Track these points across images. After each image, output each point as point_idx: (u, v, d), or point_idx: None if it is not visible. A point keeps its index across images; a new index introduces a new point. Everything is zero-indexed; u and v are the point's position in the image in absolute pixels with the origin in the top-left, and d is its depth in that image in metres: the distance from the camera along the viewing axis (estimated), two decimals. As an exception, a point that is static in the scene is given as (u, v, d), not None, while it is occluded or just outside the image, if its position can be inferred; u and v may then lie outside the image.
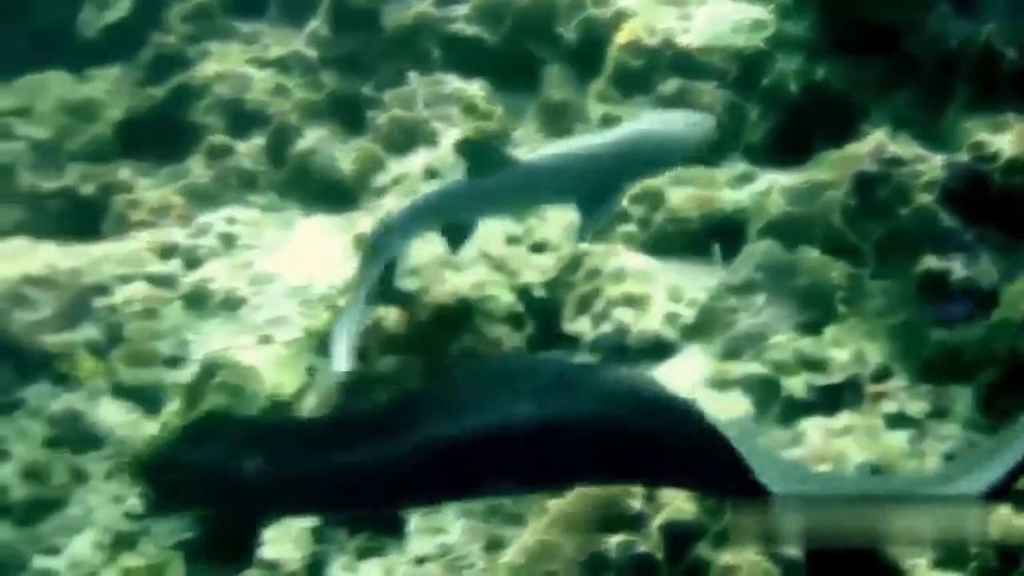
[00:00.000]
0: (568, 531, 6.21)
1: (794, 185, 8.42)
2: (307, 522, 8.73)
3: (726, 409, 6.68)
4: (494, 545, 7.77)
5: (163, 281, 11.31)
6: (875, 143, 7.09)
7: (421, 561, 7.91)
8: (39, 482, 10.12)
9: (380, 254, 7.36)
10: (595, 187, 6.57)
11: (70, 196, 13.00)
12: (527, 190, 6.75)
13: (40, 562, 9.88)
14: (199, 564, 9.60)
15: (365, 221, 10.43)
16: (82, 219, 12.73)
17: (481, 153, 6.68)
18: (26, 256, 11.22)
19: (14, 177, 13.28)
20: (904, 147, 7.07)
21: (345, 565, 8.47)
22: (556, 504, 6.54)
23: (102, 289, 11.17)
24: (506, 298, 8.46)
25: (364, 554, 8.50)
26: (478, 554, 7.77)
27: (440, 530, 8.20)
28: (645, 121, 7.22)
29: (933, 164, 6.73)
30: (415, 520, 8.37)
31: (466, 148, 6.97)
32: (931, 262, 6.81)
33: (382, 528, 8.61)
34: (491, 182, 6.75)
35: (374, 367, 8.65)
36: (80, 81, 14.19)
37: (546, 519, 6.37)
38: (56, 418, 10.44)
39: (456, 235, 8.09)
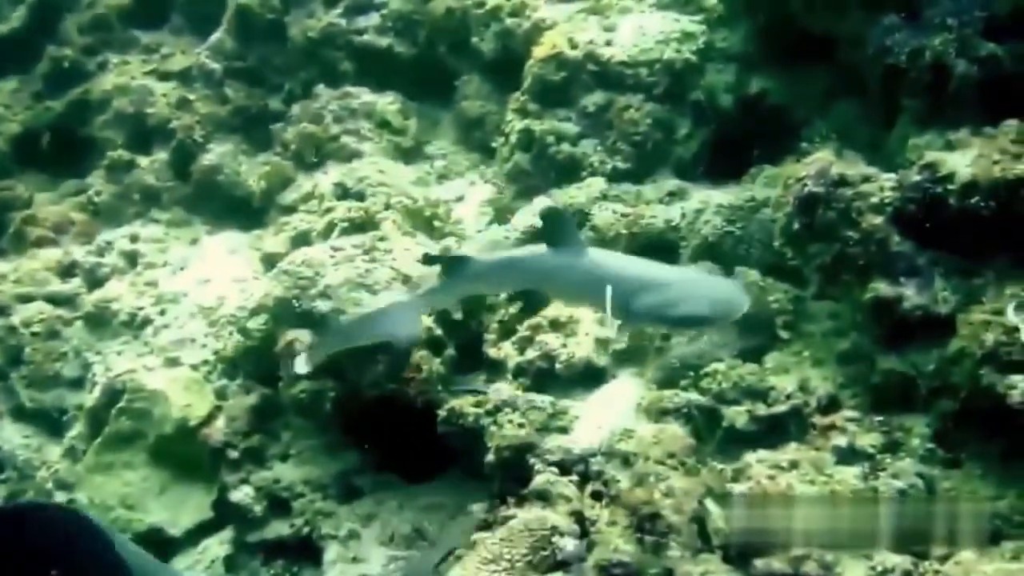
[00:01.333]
0: (498, 571, 5.74)
1: (730, 203, 8.12)
2: (221, 549, 8.18)
3: (665, 439, 6.23)
4: (419, 577, 7.30)
5: (64, 300, 10.73)
6: (820, 163, 6.63)
7: (340, 592, 7.39)
8: (-64, 509, 9.36)
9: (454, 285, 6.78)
10: (637, 314, 6.04)
11: (-36, 212, 12.18)
12: (587, 289, 6.24)
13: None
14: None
15: (273, 240, 9.86)
16: (-24, 235, 11.93)
17: (558, 223, 6.15)
18: (-80, 275, 10.48)
19: (-96, 191, 12.43)
20: (850, 166, 6.64)
21: (259, 595, 7.94)
22: (482, 540, 6.06)
23: (1, 309, 10.41)
24: (424, 321, 7.97)
25: (281, 583, 7.98)
26: (401, 586, 7.31)
27: (359, 559, 7.71)
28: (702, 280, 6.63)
29: (882, 184, 6.34)
30: (333, 549, 7.85)
31: (548, 216, 6.40)
32: (882, 287, 6.36)
33: (298, 556, 8.08)
34: (564, 270, 6.18)
35: (287, 392, 8.08)
36: (-25, 92, 13.33)
37: (475, 557, 5.90)
38: (-46, 443, 9.70)
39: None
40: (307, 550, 8.16)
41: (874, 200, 6.52)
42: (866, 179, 6.59)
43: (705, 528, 5.90)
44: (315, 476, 8.36)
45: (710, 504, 5.95)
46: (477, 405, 7.40)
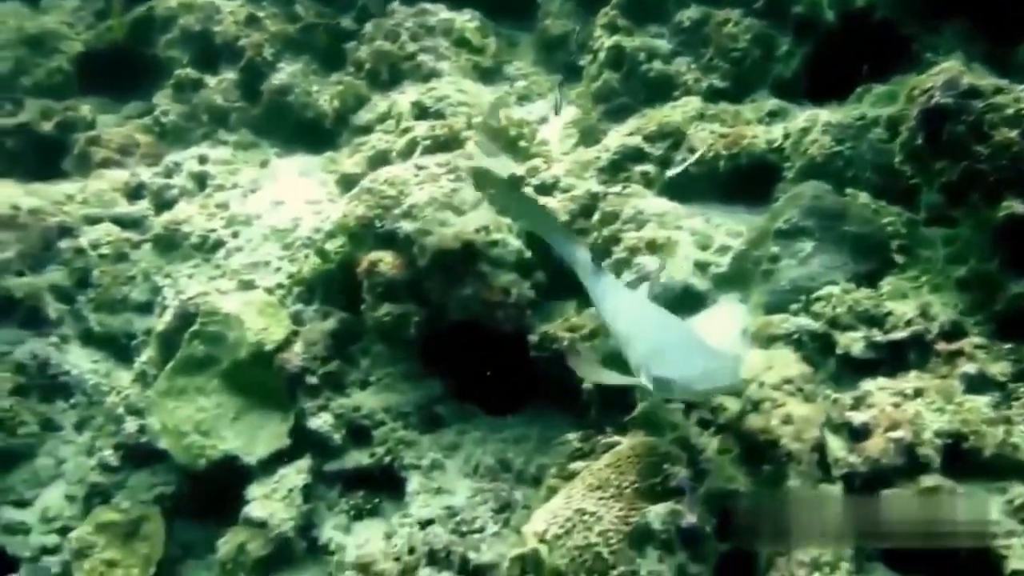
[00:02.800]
0: (605, 498, 5.51)
1: (839, 122, 7.73)
2: (298, 479, 8.01)
3: (778, 364, 5.96)
4: (506, 508, 7.09)
5: (132, 223, 10.54)
6: (948, 74, 6.25)
7: (425, 524, 7.18)
8: (6, 432, 9.31)
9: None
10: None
11: (28, 134, 12.12)
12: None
13: (8, 514, 9.17)
14: (180, 520, 8.87)
15: (349, 161, 9.69)
16: (42, 158, 11.86)
17: None
18: (-14, 195, 10.35)
19: (-32, 112, 12.34)
20: (980, 78, 6.24)
21: (338, 525, 7.76)
22: (588, 467, 5.84)
23: (67, 231, 10.30)
24: (513, 243, 7.74)
25: (359, 515, 7.79)
26: (489, 518, 7.08)
27: (443, 490, 7.51)
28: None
29: (1018, 95, 5.94)
30: (416, 479, 7.66)
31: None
32: (1015, 206, 5.99)
33: (379, 486, 7.91)
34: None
35: (371, 315, 7.88)
36: (37, 12, 13.23)
37: (580, 484, 5.67)
38: (23, 365, 9.56)
39: None
40: (388, 480, 7.99)
41: (1008, 112, 6.15)
42: (999, 90, 6.21)
43: (825, 457, 5.63)
44: (396, 404, 8.18)
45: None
46: (572, 330, 7.17)
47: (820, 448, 5.66)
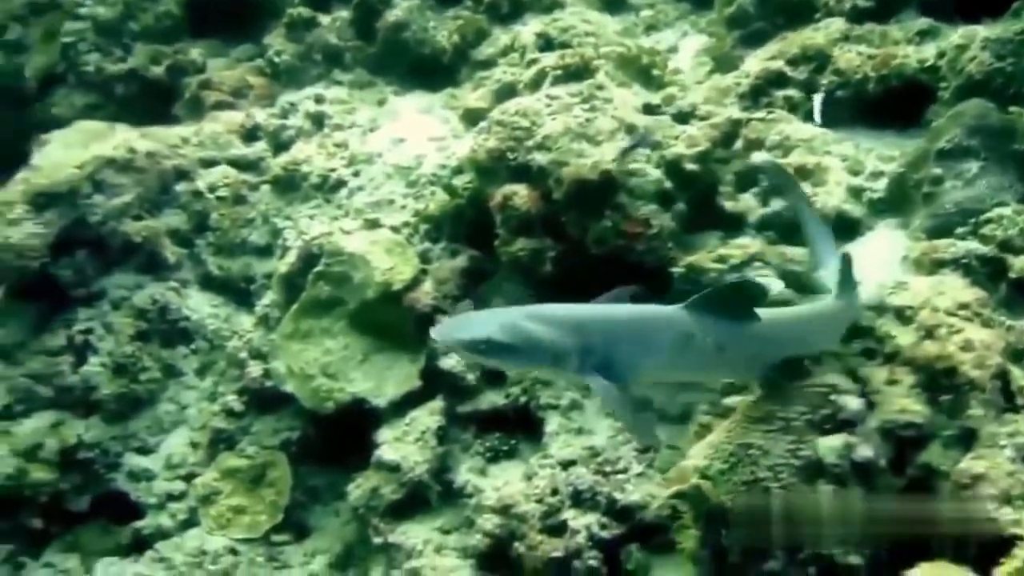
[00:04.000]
0: (771, 431, 5.32)
1: (998, 37, 7.39)
2: (431, 421, 7.92)
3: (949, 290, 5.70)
4: (649, 448, 6.94)
5: (249, 165, 10.55)
6: None
7: (567, 465, 7.05)
8: (128, 378, 9.36)
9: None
10: None
11: (138, 79, 12.17)
12: None
13: (133, 461, 9.24)
14: (307, 465, 8.85)
15: (474, 96, 9.58)
16: (153, 103, 11.89)
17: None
18: (102, 139, 10.41)
19: (79, 59, 12.31)
20: None
21: (474, 468, 7.66)
22: (746, 401, 5.66)
23: (184, 174, 10.32)
24: (653, 173, 7.53)
25: (496, 457, 7.69)
26: (633, 458, 6.93)
27: (584, 431, 7.38)
28: None
29: None
30: (554, 419, 7.53)
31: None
32: None
33: (515, 427, 7.79)
34: None
35: (505, 250, 7.74)
36: (145, -45, 13.14)
37: (737, 417, 5.49)
38: (143, 310, 9.60)
39: None
40: (524, 421, 7.87)
41: None
42: None
43: (1009, 385, 5.39)
44: (532, 343, 8.01)
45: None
46: (720, 260, 6.97)
47: (1003, 375, 5.42)
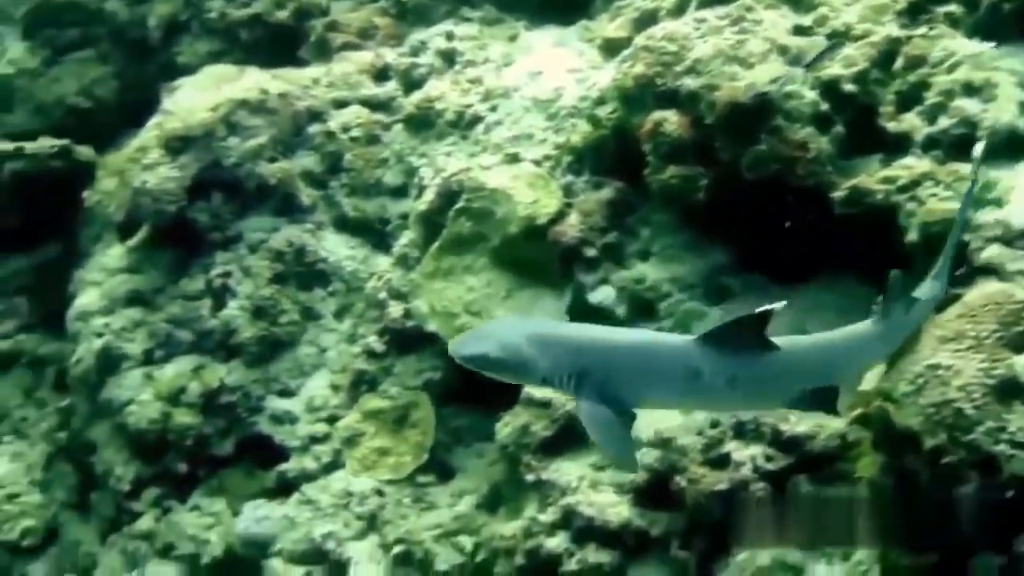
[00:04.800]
0: (962, 350, 5.15)
1: None
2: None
3: None
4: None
5: (381, 105, 10.50)
6: None
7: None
8: (268, 320, 9.41)
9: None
10: None
11: (263, 24, 12.19)
12: None
13: (275, 404, 9.30)
14: (449, 406, 8.83)
15: (612, 26, 9.42)
16: (278, 47, 11.90)
17: None
18: (234, 82, 10.49)
19: (202, 6, 12.38)
20: None
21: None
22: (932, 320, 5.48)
23: (316, 115, 10.32)
24: (808, 95, 7.33)
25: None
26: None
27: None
28: None
29: None
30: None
31: None
32: None
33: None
34: None
35: (656, 178, 7.61)
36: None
37: (927, 338, 5.32)
38: (280, 252, 9.65)
39: None
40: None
41: None
42: None
43: None
44: (680, 275, 7.94)
45: None
46: (887, 181, 6.77)
47: None
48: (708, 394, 5.39)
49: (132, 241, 10.48)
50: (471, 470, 8.81)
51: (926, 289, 5.67)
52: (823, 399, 5.40)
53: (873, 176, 6.91)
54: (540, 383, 5.37)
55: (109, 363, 10.01)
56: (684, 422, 7.07)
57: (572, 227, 8.20)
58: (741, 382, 5.30)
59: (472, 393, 8.79)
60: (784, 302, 5.17)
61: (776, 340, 5.29)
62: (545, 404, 7.83)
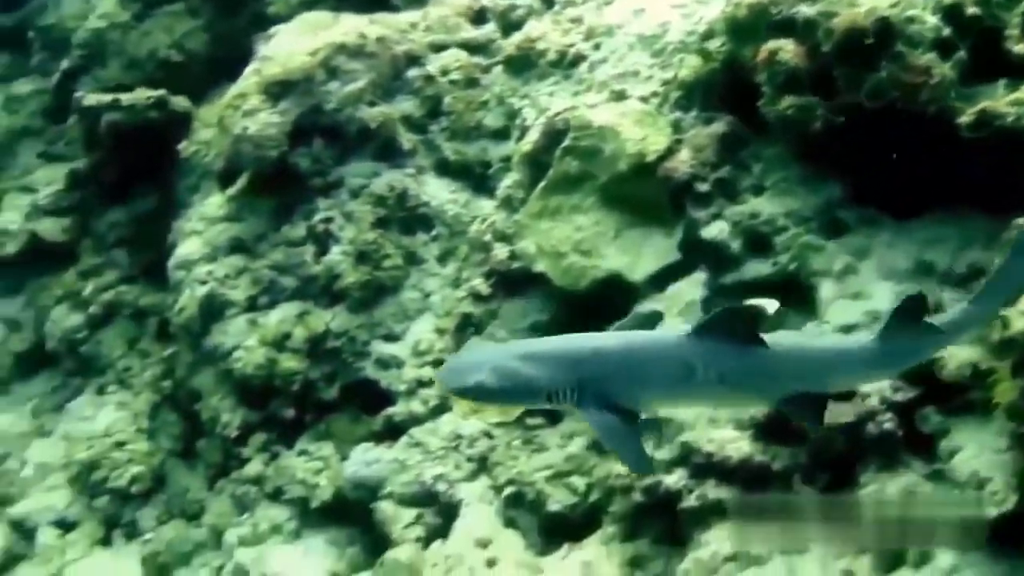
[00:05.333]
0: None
1: None
2: (694, 292, 7.79)
3: None
4: (939, 308, 6.67)
5: (479, 47, 10.48)
6: None
7: (847, 331, 6.83)
8: (372, 265, 9.43)
9: None
10: None
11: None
12: None
13: (380, 348, 9.32)
14: (556, 347, 8.78)
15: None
16: (371, -6, 11.82)
17: None
18: (330, 28, 10.46)
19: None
20: None
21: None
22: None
23: (415, 59, 10.31)
24: (930, 19, 7.18)
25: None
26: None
27: (861, 295, 7.17)
28: None
29: None
30: (827, 286, 7.32)
31: None
32: None
33: (783, 296, 7.56)
34: None
35: (771, 108, 7.51)
36: None
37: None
38: (382, 197, 9.66)
39: None
40: (793, 289, 7.65)
41: None
42: None
43: None
44: (795, 209, 7.82)
45: None
46: (1017, 103, 6.62)
47: None
48: (701, 389, 5.29)
49: (232, 189, 10.54)
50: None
51: (956, 315, 5.33)
52: (811, 405, 5.29)
53: (1003, 98, 6.75)
54: (544, 402, 5.25)
55: (213, 310, 10.11)
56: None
57: (683, 163, 8.12)
58: (731, 377, 5.19)
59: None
60: (776, 304, 5.14)
61: (769, 338, 5.20)
62: (660, 341, 7.74)
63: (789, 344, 5.37)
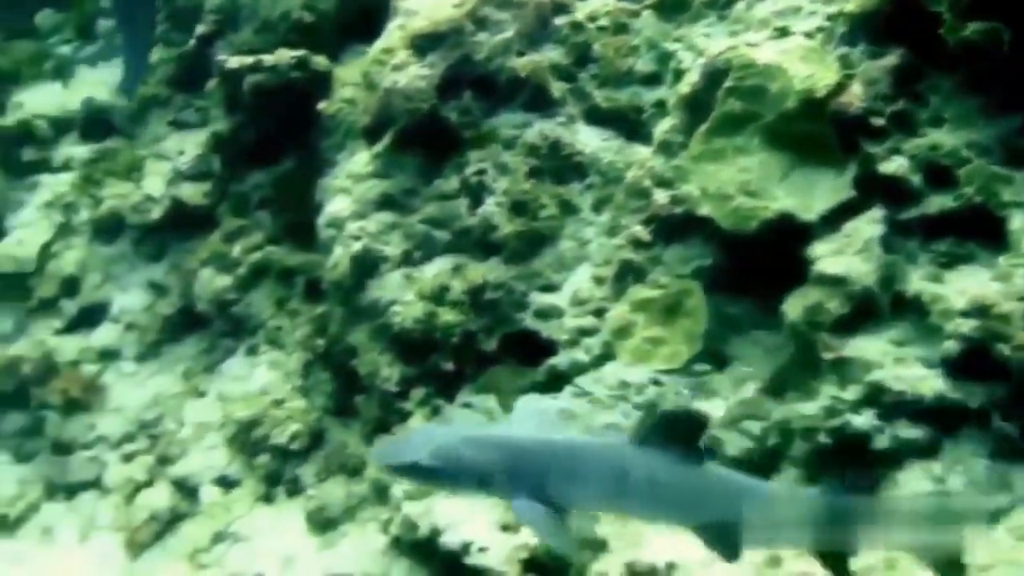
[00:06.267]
0: None
1: None
2: (872, 230, 7.60)
3: None
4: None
5: (627, -9, 10.28)
6: None
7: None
8: (528, 216, 9.39)
9: None
10: None
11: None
12: None
13: (538, 299, 9.31)
14: (721, 293, 8.66)
15: None
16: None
17: None
18: (473, -21, 10.36)
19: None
20: None
21: (927, 275, 7.31)
22: None
23: (561, 7, 10.25)
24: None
25: (950, 263, 7.31)
26: None
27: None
28: None
29: None
30: (1018, 217, 7.11)
31: None
32: None
33: (968, 231, 7.39)
34: None
35: (954, 34, 7.31)
36: None
37: None
38: (535, 147, 9.60)
39: None
40: (979, 223, 7.44)
41: None
42: None
43: None
44: (977, 140, 7.60)
45: None
46: None
47: None
48: (633, 499, 5.26)
49: (380, 145, 10.53)
50: (749, 357, 8.64)
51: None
52: (728, 537, 5.20)
53: None
54: (476, 488, 5.31)
55: (367, 266, 10.13)
56: (1002, 288, 6.84)
57: (856, 97, 7.93)
58: (662, 491, 5.17)
59: (744, 281, 8.65)
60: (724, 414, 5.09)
61: (709, 464, 5.23)
62: (839, 281, 7.62)
63: (727, 473, 5.40)
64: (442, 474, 5.27)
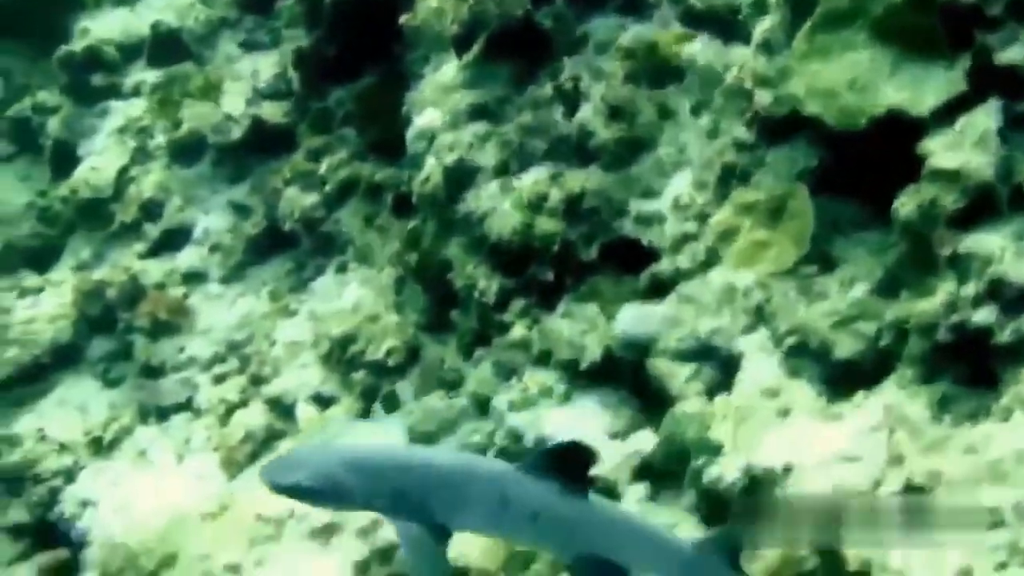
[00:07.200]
0: None
1: None
2: (988, 123, 7.61)
3: None
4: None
5: None
6: None
7: None
8: (626, 121, 9.44)
9: None
10: None
11: None
12: None
13: (638, 206, 9.40)
14: (826, 195, 8.70)
15: None
16: None
17: None
18: None
19: None
20: None
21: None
22: None
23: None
24: None
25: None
26: None
27: None
28: None
29: None
30: None
31: None
32: None
33: None
34: None
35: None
36: None
37: None
38: (631, 50, 9.64)
39: None
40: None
41: None
42: None
43: None
44: (1101, 26, 7.55)
45: None
46: None
47: None
48: (513, 526, 5.39)
49: (469, 55, 10.60)
50: (857, 258, 8.67)
51: None
52: (602, 573, 5.32)
53: None
54: (359, 507, 5.44)
55: (461, 178, 10.25)
56: None
57: (970, -12, 7.90)
58: (542, 521, 5.26)
59: (850, 181, 8.68)
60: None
61: (591, 495, 5.33)
62: (954, 175, 7.64)
63: (610, 508, 5.60)
64: (324, 495, 5.39)
